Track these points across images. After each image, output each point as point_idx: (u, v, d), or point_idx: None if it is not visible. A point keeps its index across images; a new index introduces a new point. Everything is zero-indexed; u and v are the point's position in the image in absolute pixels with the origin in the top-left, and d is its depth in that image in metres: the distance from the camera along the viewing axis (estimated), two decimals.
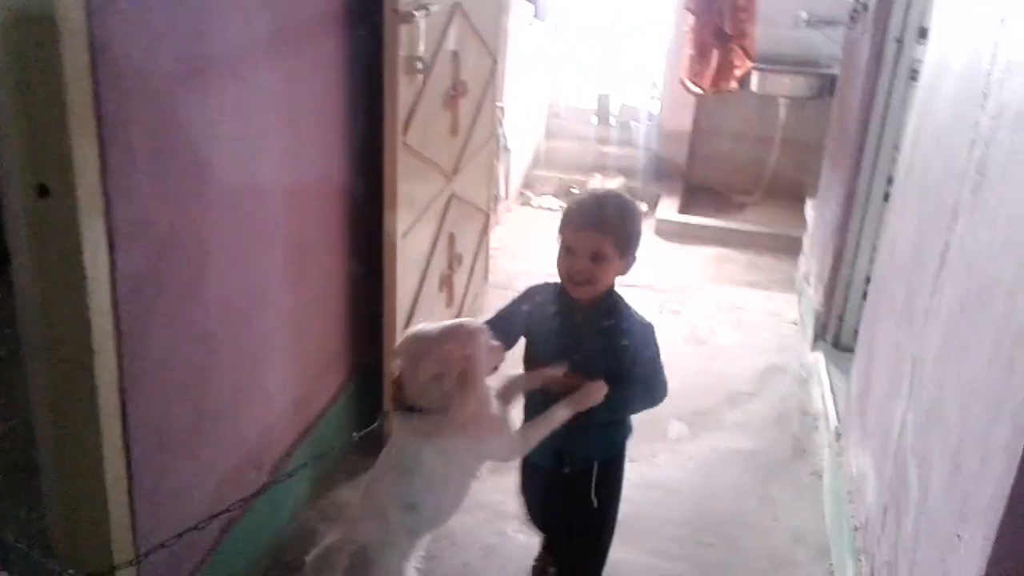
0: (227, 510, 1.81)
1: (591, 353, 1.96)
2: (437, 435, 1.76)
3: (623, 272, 1.99)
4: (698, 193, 6.05)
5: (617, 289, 2.02)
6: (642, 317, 2.04)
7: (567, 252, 1.95)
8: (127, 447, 1.76)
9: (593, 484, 2.06)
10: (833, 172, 3.93)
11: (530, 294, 2.10)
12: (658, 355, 2.04)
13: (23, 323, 1.71)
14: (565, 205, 2.04)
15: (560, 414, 1.88)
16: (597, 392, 1.90)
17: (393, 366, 1.90)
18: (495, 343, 1.86)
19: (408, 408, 1.76)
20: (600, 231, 1.92)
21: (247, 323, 2.21)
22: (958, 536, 1.60)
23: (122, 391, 1.70)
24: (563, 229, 1.97)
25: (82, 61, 1.51)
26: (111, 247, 1.61)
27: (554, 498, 2.15)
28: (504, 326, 2.00)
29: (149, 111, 1.69)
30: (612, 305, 1.99)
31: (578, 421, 1.91)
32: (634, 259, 1.99)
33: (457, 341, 1.77)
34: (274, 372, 2.40)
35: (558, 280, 2.02)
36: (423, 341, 1.78)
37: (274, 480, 2.18)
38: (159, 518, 1.92)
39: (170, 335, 1.87)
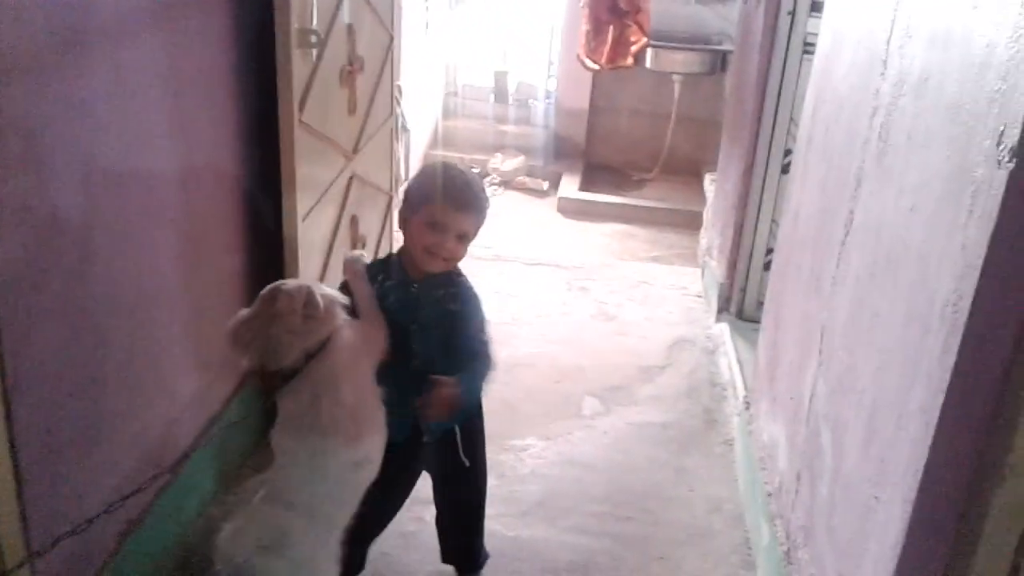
0: (130, 494, 1.69)
1: (426, 324, 1.97)
2: (314, 426, 1.74)
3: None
4: (598, 171, 6.09)
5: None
6: (472, 286, 2.03)
7: (434, 229, 1.91)
8: (14, 451, 1.61)
9: (460, 447, 2.11)
10: (731, 146, 3.99)
11: (374, 271, 2.04)
12: (485, 325, 2.01)
13: None
14: (434, 173, 1.99)
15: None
16: (447, 397, 1.83)
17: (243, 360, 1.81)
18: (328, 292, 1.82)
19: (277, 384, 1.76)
20: (474, 213, 1.94)
21: (140, 315, 2.07)
22: (876, 498, 1.63)
23: (5, 392, 1.56)
24: (434, 204, 1.92)
25: None
26: None
27: (421, 468, 2.17)
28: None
29: (18, 89, 1.54)
30: (447, 276, 1.99)
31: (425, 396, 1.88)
32: (474, 239, 2.02)
33: (286, 298, 1.74)
34: (172, 366, 2.26)
35: (393, 255, 2.05)
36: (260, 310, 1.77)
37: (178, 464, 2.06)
38: (54, 525, 1.78)
39: (56, 329, 1.72)
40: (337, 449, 1.75)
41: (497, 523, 2.58)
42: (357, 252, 2.10)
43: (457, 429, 2.09)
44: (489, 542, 2.50)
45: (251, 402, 2.74)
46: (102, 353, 1.91)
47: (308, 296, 1.74)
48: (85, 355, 1.84)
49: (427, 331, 1.97)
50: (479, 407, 2.17)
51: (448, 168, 2.05)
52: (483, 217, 1.98)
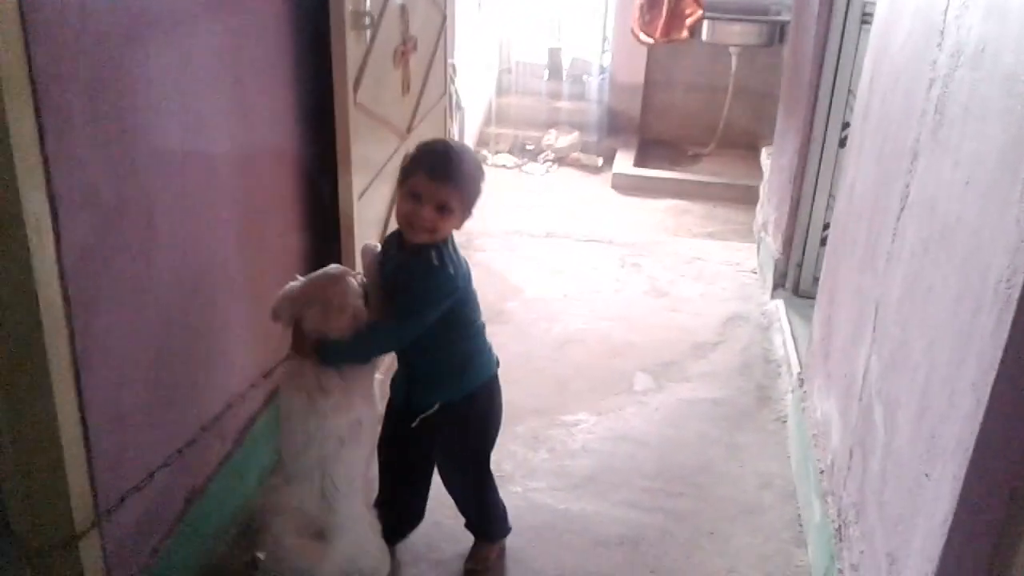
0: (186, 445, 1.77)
1: (392, 289, 2.02)
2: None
3: (458, 227, 2.00)
4: (653, 146, 6.04)
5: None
6: (440, 259, 1.97)
7: (413, 198, 1.93)
8: (83, 421, 1.69)
9: (440, 423, 2.12)
10: (788, 120, 3.93)
11: (385, 243, 2.15)
12: (420, 301, 1.98)
13: None
14: (424, 146, 2.03)
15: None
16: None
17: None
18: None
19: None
20: (452, 184, 1.93)
21: (202, 292, 2.14)
22: (926, 475, 1.62)
23: (75, 364, 1.64)
24: (412, 175, 1.95)
25: (12, 16, 1.42)
26: (54, 216, 1.54)
27: (410, 435, 2.17)
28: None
29: (85, 71, 1.61)
30: (426, 248, 1.97)
31: (412, 367, 2.12)
32: (470, 215, 2.01)
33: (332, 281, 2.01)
34: (233, 341, 2.34)
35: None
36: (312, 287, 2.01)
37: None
38: (123, 490, 1.87)
39: (122, 306, 1.80)
40: (327, 411, 1.97)
41: (548, 496, 2.63)
42: (372, 243, 2.17)
43: (437, 406, 2.10)
44: (538, 515, 2.55)
45: None
46: (166, 329, 1.98)
47: (341, 292, 2.00)
48: (150, 330, 1.92)
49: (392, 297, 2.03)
50: (469, 397, 2.15)
51: (436, 141, 2.09)
52: (468, 190, 1.95)
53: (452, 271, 1.97)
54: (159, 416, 2.00)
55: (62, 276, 1.57)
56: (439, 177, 1.92)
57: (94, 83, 1.63)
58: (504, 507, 2.39)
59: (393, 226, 3.08)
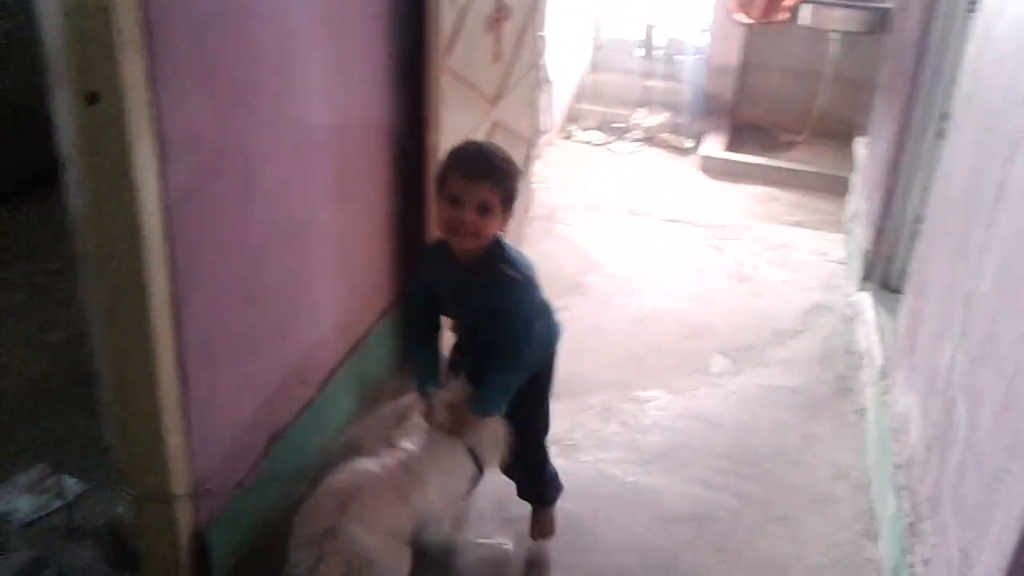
0: None
1: (477, 312, 2.03)
2: None
3: (501, 228, 1.98)
4: (745, 130, 5.93)
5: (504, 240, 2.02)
6: (518, 272, 1.98)
7: (453, 203, 1.91)
8: (180, 357, 1.79)
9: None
10: (886, 108, 3.82)
11: (425, 261, 2.14)
12: (528, 322, 2.02)
13: (75, 234, 1.74)
14: (454, 150, 2.01)
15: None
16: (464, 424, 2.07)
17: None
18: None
19: None
20: (490, 181, 1.91)
21: (293, 242, 2.22)
22: (1007, 470, 1.59)
23: (173, 299, 1.73)
24: (450, 179, 1.93)
25: None
26: (160, 157, 1.62)
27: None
28: (424, 300, 2.12)
29: (195, 19, 1.68)
30: (489, 261, 1.97)
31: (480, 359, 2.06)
32: (511, 215, 1.99)
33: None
34: (320, 293, 2.42)
35: (442, 241, 2.02)
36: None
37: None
38: (212, 427, 1.97)
39: (219, 249, 1.88)
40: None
41: (617, 468, 2.64)
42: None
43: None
44: (607, 486, 2.57)
45: (390, 335, 2.90)
46: (259, 273, 2.07)
47: None
48: (244, 274, 2.00)
49: (478, 316, 2.04)
50: (549, 361, 2.21)
51: (467, 143, 2.06)
52: (506, 187, 1.93)
53: (531, 274, 2.00)
54: (248, 358, 2.09)
55: (165, 215, 1.65)
56: (476, 176, 1.90)
57: (202, 32, 1.70)
58: (555, 470, 2.40)
59: None
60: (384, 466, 2.03)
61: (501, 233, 1.99)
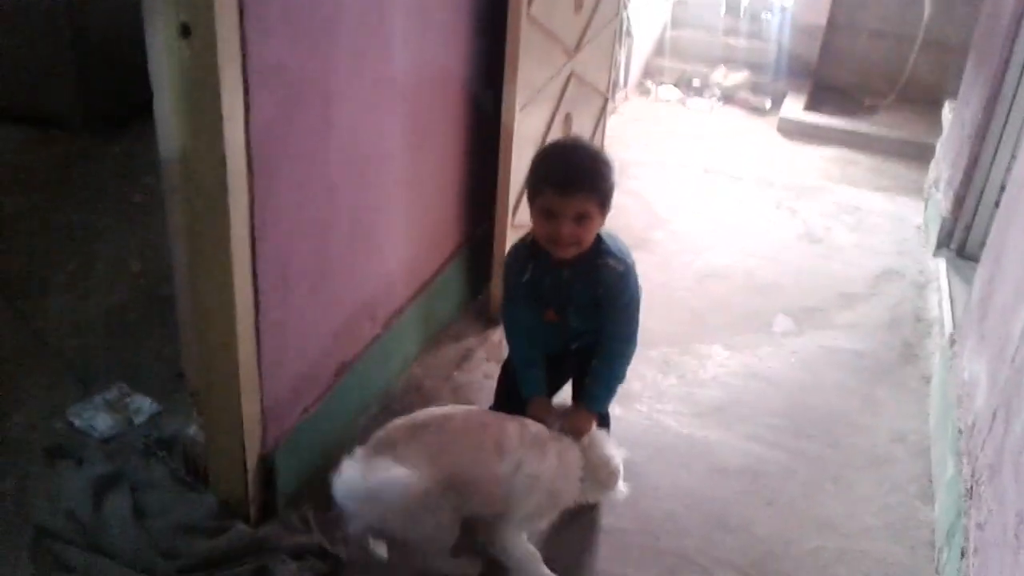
0: None
1: (581, 308, 2.04)
2: None
3: (602, 224, 1.97)
4: (827, 92, 5.78)
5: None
6: (619, 261, 2.01)
7: (548, 216, 1.90)
8: (255, 282, 1.87)
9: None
10: (977, 70, 3.69)
11: (515, 265, 2.11)
12: (635, 302, 2.05)
13: (163, 161, 1.82)
14: (542, 158, 2.00)
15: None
16: (584, 421, 2.08)
17: None
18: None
19: None
20: (585, 193, 1.88)
21: (368, 179, 2.28)
22: None
23: (252, 227, 1.80)
24: (541, 192, 1.91)
25: None
26: (246, 89, 1.68)
27: (563, 371, 2.25)
28: (527, 300, 2.10)
29: None
30: (591, 256, 1.99)
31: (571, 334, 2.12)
32: (610, 208, 1.96)
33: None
34: (391, 232, 2.48)
35: (530, 240, 2.03)
36: None
37: None
38: (282, 352, 2.05)
39: (297, 179, 1.95)
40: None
41: (672, 419, 2.67)
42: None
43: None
44: (660, 437, 2.61)
45: (457, 277, 2.95)
46: (333, 208, 2.13)
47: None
48: (319, 204, 2.07)
49: (581, 312, 2.06)
50: None
51: (553, 150, 2.04)
52: (602, 194, 1.91)
53: (631, 261, 2.04)
54: (319, 291, 2.16)
55: (248, 145, 1.72)
56: (571, 191, 1.88)
57: None
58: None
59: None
60: (495, 418, 2.03)
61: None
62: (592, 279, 2.00)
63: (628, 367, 2.14)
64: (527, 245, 2.08)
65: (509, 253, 2.18)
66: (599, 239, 2.01)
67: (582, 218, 1.90)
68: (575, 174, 1.89)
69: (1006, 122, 3.30)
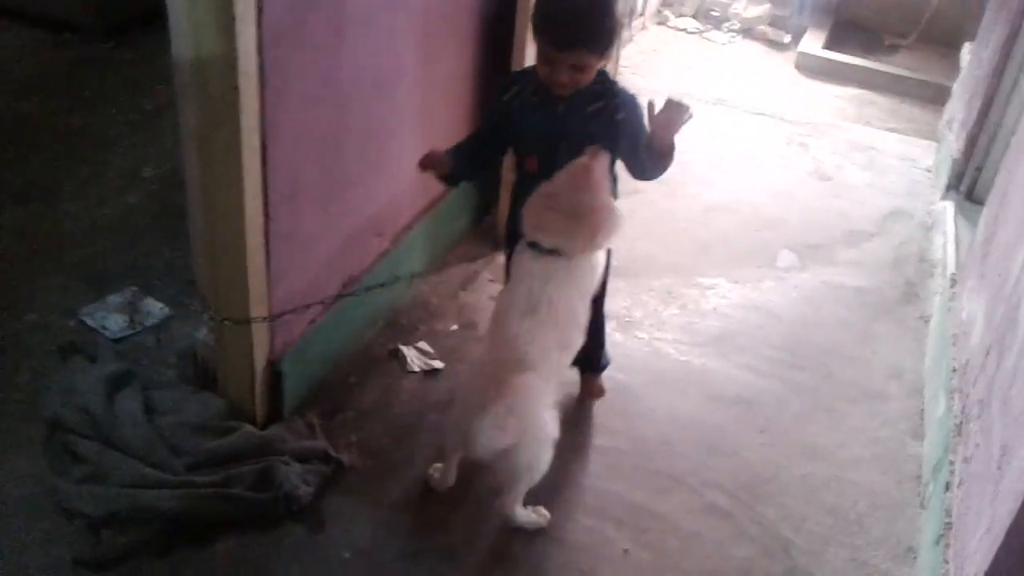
0: None
1: (578, 139, 1.96)
2: (573, 280, 1.96)
3: (605, 64, 1.98)
4: (848, 29, 5.68)
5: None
6: (625, 88, 2.02)
7: (546, 61, 1.92)
8: (265, 190, 1.89)
9: None
10: (998, 9, 3.62)
11: (508, 84, 2.07)
12: (642, 129, 2.00)
13: (175, 63, 1.83)
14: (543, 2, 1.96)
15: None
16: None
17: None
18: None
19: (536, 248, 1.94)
20: (580, 47, 1.88)
21: (380, 92, 2.28)
22: None
23: (263, 133, 1.81)
24: (541, 37, 1.91)
25: None
26: None
27: None
28: (491, 124, 2.12)
29: None
30: (596, 90, 1.98)
31: None
32: (613, 48, 1.97)
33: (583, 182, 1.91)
34: (402, 147, 2.48)
35: (530, 69, 2.02)
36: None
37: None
38: (290, 262, 2.09)
39: (308, 88, 1.95)
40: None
41: (671, 347, 2.72)
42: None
43: None
44: (660, 362, 2.65)
45: (466, 197, 2.96)
46: (344, 120, 2.14)
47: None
48: (330, 118, 2.08)
49: (575, 148, 1.96)
50: None
51: None
52: (600, 46, 1.91)
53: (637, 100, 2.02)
54: (328, 202, 2.19)
55: (260, 49, 1.73)
56: (567, 47, 1.88)
57: None
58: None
59: None
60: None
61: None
62: (607, 107, 1.99)
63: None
64: (518, 73, 2.10)
65: (506, 75, 2.13)
66: (603, 78, 2.01)
67: (578, 68, 1.91)
68: (573, 29, 1.88)
69: (1023, 64, 3.26)
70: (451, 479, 2.14)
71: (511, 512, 2.05)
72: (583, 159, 1.93)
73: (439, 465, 2.14)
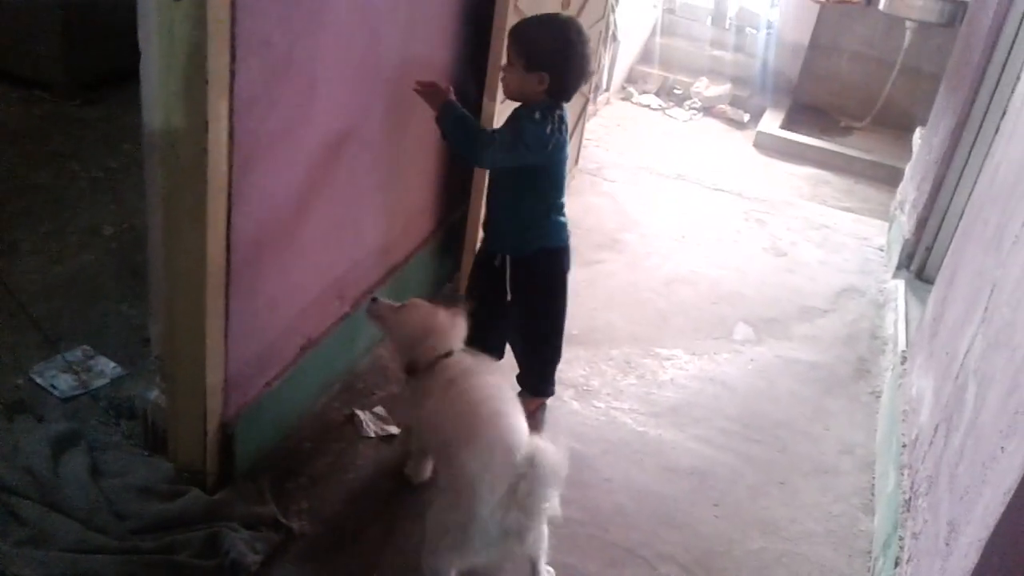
0: None
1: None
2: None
3: (535, 89, 2.23)
4: (805, 111, 5.89)
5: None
6: (546, 118, 2.24)
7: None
8: (228, 252, 1.89)
9: (507, 277, 2.43)
10: (948, 97, 3.79)
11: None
12: (517, 132, 2.23)
13: (145, 124, 1.84)
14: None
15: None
16: (439, 94, 2.27)
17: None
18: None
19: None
20: (510, 37, 2.25)
21: (347, 159, 2.30)
22: (1002, 449, 1.64)
23: (229, 197, 1.82)
24: None
25: None
26: (233, 58, 1.70)
27: (486, 285, 2.49)
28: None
29: None
30: (535, 105, 2.26)
31: (488, 215, 2.45)
32: (548, 78, 2.21)
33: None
34: (366, 212, 2.51)
35: None
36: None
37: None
38: (250, 323, 2.08)
39: (276, 154, 1.97)
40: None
41: (628, 417, 2.73)
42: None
43: (508, 259, 2.42)
44: (616, 431, 2.66)
45: (429, 262, 2.99)
46: (310, 184, 2.16)
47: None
48: (296, 182, 2.10)
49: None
50: (560, 249, 2.46)
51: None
52: (521, 44, 2.22)
53: (548, 130, 2.23)
54: (291, 265, 2.19)
55: (231, 113, 1.75)
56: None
57: None
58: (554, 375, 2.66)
59: None
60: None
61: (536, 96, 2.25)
62: (516, 112, 2.31)
63: (464, 138, 2.29)
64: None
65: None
66: (557, 107, 2.28)
67: (504, 67, 2.29)
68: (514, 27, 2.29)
69: (971, 150, 3.40)
70: (427, 472, 2.27)
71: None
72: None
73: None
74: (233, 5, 1.65)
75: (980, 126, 3.34)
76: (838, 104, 5.98)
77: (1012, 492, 1.49)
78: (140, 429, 2.27)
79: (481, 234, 2.58)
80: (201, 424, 2.08)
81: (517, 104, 2.32)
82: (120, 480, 2.09)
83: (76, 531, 1.94)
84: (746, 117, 5.67)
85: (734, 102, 5.77)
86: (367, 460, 2.38)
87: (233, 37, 1.68)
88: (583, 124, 4.10)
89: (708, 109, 5.71)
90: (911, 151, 4.65)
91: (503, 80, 2.33)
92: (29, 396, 2.36)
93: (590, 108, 4.72)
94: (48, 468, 2.06)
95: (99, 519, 1.98)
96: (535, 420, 2.57)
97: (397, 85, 2.45)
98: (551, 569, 2.12)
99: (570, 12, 3.29)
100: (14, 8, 3.74)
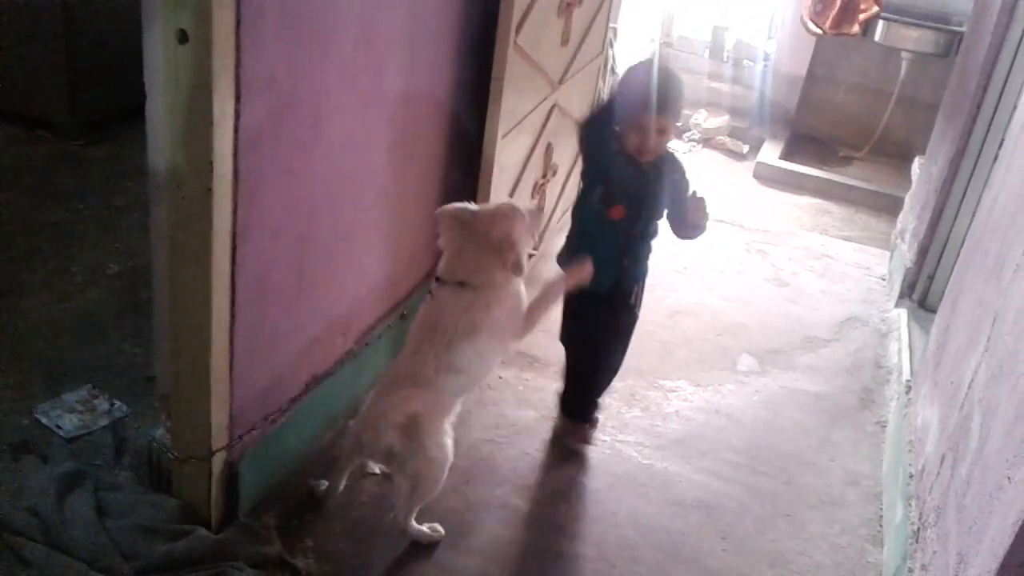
0: None
1: (657, 195, 2.46)
2: (474, 309, 2.14)
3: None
4: (803, 141, 5.93)
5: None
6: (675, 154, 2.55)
7: (637, 131, 2.36)
8: (233, 289, 1.90)
9: (634, 298, 2.62)
10: (946, 127, 3.81)
11: (597, 155, 2.48)
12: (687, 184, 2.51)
13: (151, 163, 1.86)
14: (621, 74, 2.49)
15: (555, 290, 2.36)
16: (580, 272, 2.35)
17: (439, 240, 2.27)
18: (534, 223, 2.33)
19: (445, 281, 2.19)
20: (666, 112, 2.34)
21: (350, 196, 2.32)
22: (1008, 479, 1.63)
23: (234, 235, 1.84)
24: (631, 112, 2.35)
25: None
26: (238, 98, 1.73)
27: (602, 313, 2.60)
28: (599, 172, 2.49)
29: None
30: (665, 155, 2.46)
31: (631, 254, 2.53)
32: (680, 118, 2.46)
33: (504, 219, 2.19)
34: (370, 249, 2.52)
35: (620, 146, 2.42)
36: (470, 214, 2.20)
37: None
38: (254, 361, 2.08)
39: (280, 191, 1.99)
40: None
41: (634, 450, 2.72)
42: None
43: (638, 285, 2.61)
44: (622, 465, 2.66)
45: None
46: (314, 222, 2.18)
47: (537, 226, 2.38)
48: (300, 220, 2.11)
49: (658, 200, 2.47)
50: (644, 276, 2.65)
51: (646, 70, 2.40)
52: (678, 112, 2.43)
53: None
54: (295, 302, 2.20)
55: (235, 152, 1.77)
56: (652, 110, 2.32)
57: None
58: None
59: (530, 172, 3.23)
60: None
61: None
62: (669, 168, 2.49)
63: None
64: (605, 145, 2.45)
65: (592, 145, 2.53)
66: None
67: (664, 132, 2.37)
68: (654, 97, 2.33)
69: (970, 178, 3.42)
70: (340, 486, 2.33)
71: (404, 525, 2.20)
72: (509, 202, 2.36)
73: (324, 482, 2.32)
74: (238, 47, 1.68)
75: (979, 154, 3.37)
76: (836, 134, 6.01)
77: (1020, 523, 1.49)
78: (145, 468, 2.27)
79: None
80: (207, 462, 2.07)
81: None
82: (125, 520, 2.08)
83: (82, 572, 1.94)
84: (745, 148, 5.70)
85: (733, 133, 5.81)
86: (372, 496, 2.37)
87: (238, 78, 1.71)
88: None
89: (707, 140, 5.75)
90: (910, 180, 4.67)
91: (659, 149, 2.42)
92: (34, 436, 2.36)
93: None
94: (53, 509, 2.05)
95: (104, 560, 1.97)
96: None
97: (400, 121, 2.48)
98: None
99: (569, 47, 3.33)
100: (19, 48, 3.78)
